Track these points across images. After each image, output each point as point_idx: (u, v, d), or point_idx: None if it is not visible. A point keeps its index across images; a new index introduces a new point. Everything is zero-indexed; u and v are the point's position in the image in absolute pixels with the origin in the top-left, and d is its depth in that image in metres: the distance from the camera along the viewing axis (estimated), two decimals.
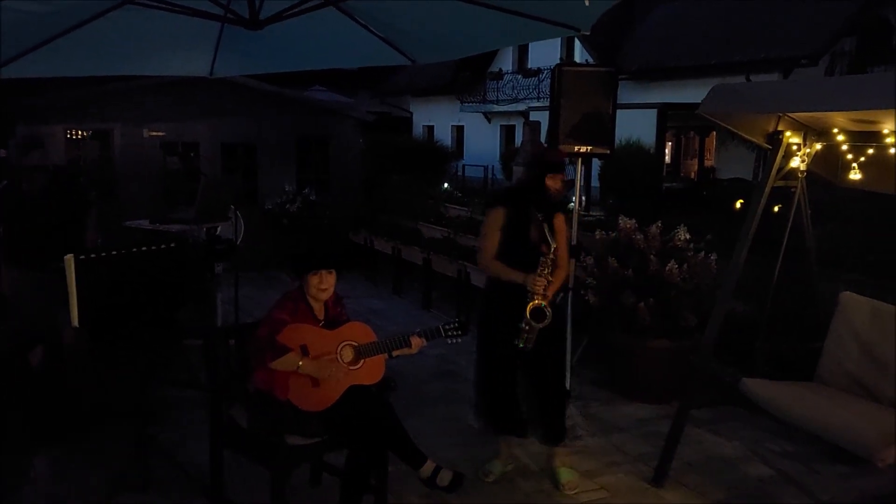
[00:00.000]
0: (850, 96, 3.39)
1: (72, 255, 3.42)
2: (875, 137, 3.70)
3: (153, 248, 3.79)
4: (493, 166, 21.75)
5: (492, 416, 4.16)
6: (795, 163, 4.09)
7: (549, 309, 3.83)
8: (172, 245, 3.93)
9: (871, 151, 3.86)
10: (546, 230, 3.84)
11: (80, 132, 9.36)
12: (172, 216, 6.37)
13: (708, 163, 19.41)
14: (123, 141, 9.47)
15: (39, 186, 4.92)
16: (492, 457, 4.29)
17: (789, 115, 3.88)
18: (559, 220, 3.99)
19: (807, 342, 4.36)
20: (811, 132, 4.03)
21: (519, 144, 13.50)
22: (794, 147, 4.05)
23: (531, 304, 3.81)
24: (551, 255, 3.83)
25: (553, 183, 3.94)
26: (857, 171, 3.97)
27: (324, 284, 3.53)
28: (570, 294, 5.08)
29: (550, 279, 3.85)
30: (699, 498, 4.03)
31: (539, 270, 3.82)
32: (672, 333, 5.26)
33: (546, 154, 4.20)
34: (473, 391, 4.28)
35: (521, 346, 3.85)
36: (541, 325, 3.82)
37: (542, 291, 3.82)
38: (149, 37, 4.18)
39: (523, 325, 3.82)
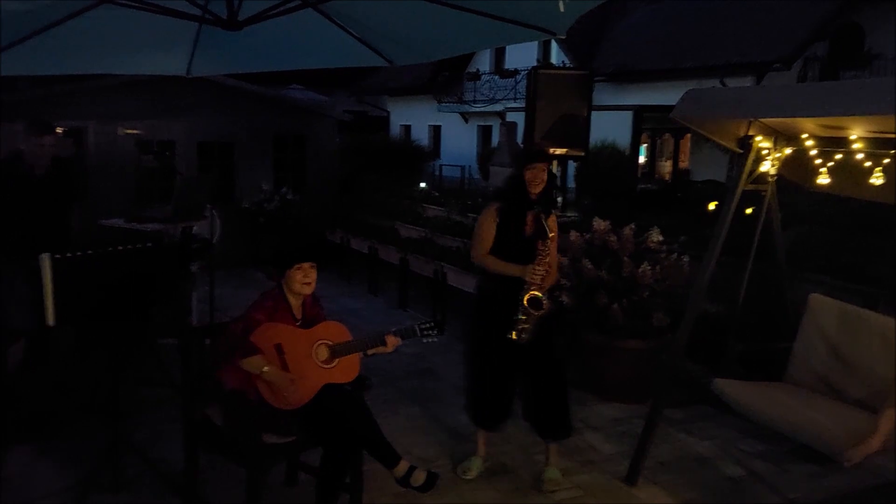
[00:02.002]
0: (818, 103, 3.46)
1: (47, 254, 3.40)
2: (843, 143, 3.77)
3: (129, 247, 3.77)
4: (470, 166, 21.77)
5: (476, 407, 4.20)
6: (766, 167, 4.17)
7: (546, 299, 3.87)
8: (148, 244, 3.92)
9: (839, 157, 3.93)
10: (543, 221, 3.89)
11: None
12: (148, 215, 6.33)
13: (682, 164, 19.60)
14: (98, 139, 9.36)
15: (47, 172, 4.89)
16: (469, 454, 4.33)
17: (760, 120, 3.95)
18: (552, 221, 4.01)
19: (777, 343, 4.44)
20: (781, 137, 4.10)
21: (496, 145, 13.54)
22: (765, 151, 4.12)
23: (528, 293, 3.85)
24: (545, 247, 3.86)
25: (531, 174, 3.92)
26: (826, 175, 4.04)
27: (307, 279, 3.54)
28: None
29: (548, 269, 3.90)
30: (671, 496, 4.09)
31: (537, 261, 3.86)
32: (645, 334, 5.32)
33: (524, 148, 4.21)
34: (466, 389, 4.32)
35: (516, 338, 3.87)
36: (538, 314, 3.85)
37: (539, 282, 3.87)
38: (126, 36, 4.16)
39: (520, 315, 3.85)
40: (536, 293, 3.86)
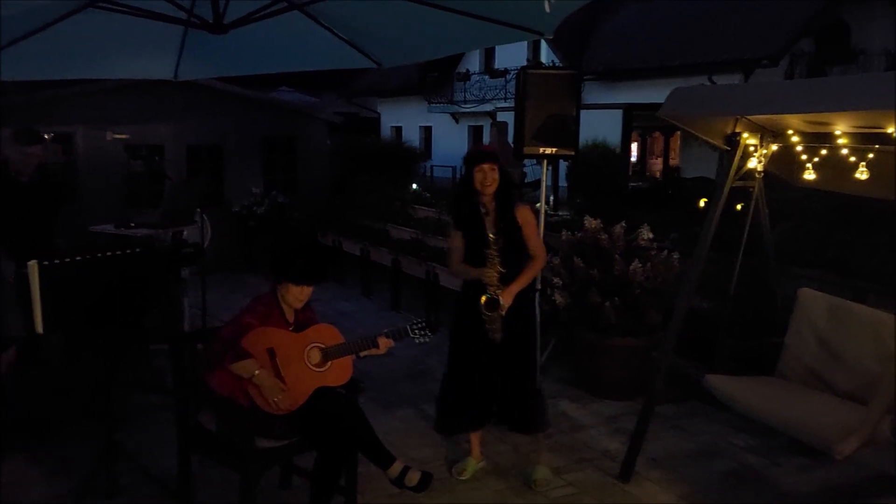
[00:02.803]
0: (803, 99, 3.49)
1: (35, 261, 3.39)
2: (828, 139, 3.80)
3: (119, 253, 3.76)
4: (461, 167, 21.75)
5: (444, 412, 4.22)
6: (753, 163, 4.19)
7: (501, 297, 3.85)
8: (138, 250, 3.91)
9: (824, 152, 3.96)
10: (488, 223, 3.90)
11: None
12: (138, 220, 6.31)
13: (673, 162, 19.70)
14: (86, 144, 9.33)
15: (31, 180, 4.88)
16: (462, 455, 4.33)
17: (746, 116, 3.97)
18: (522, 212, 4.01)
19: (767, 338, 4.47)
20: (768, 134, 4.13)
21: (486, 145, 13.54)
22: (752, 148, 4.15)
23: (484, 296, 3.85)
24: (493, 247, 3.84)
25: (480, 176, 3.91)
26: (812, 171, 4.07)
27: (303, 295, 3.55)
28: (538, 294, 5.13)
29: (501, 269, 3.87)
30: (665, 492, 4.11)
31: (488, 264, 3.86)
32: (637, 331, 5.34)
33: (469, 150, 4.17)
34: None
35: (498, 335, 3.90)
36: (494, 314, 3.86)
37: (496, 282, 3.86)
38: (112, 40, 4.15)
39: (483, 316, 3.88)
40: (493, 294, 3.85)
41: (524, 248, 4.03)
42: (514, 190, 4.15)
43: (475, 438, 4.31)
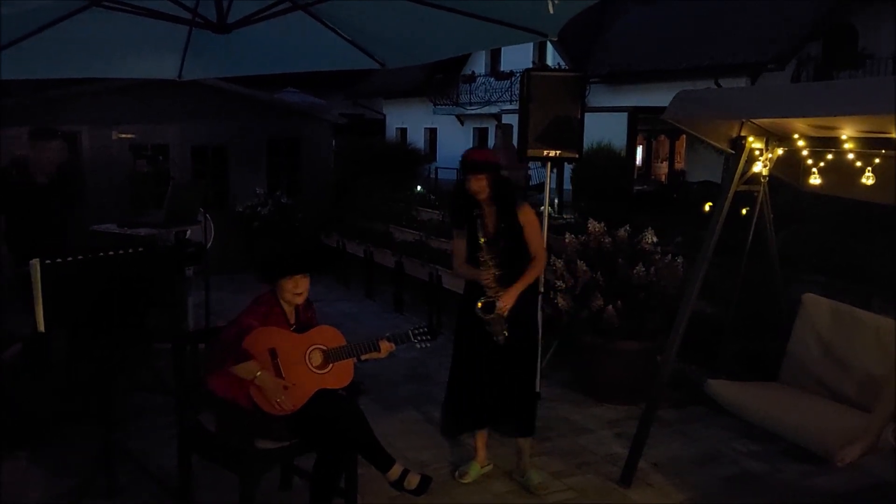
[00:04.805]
0: (809, 103, 3.47)
1: (37, 260, 3.39)
2: (834, 143, 3.78)
3: (122, 252, 3.76)
4: None
5: (449, 413, 4.21)
6: (758, 167, 4.18)
7: (501, 299, 3.85)
8: (141, 249, 3.91)
9: (830, 157, 3.94)
10: (483, 226, 3.90)
11: None
12: (141, 220, 6.31)
13: (678, 166, 19.65)
14: (91, 143, 9.34)
15: (49, 179, 4.89)
16: (464, 458, 4.32)
17: (752, 120, 3.95)
18: (524, 213, 4.01)
19: (771, 343, 4.45)
20: (773, 138, 4.11)
21: (491, 147, 13.54)
22: (757, 152, 4.13)
23: (480, 300, 3.87)
24: (484, 250, 3.86)
25: (471, 186, 3.92)
26: (818, 175, 4.05)
27: (299, 288, 3.54)
28: (541, 297, 5.12)
29: (495, 271, 3.88)
30: (666, 498, 4.09)
31: (482, 266, 3.88)
32: (640, 335, 5.32)
33: (465, 155, 4.15)
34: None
35: (500, 337, 3.91)
36: (493, 317, 3.86)
37: (492, 283, 3.87)
38: (116, 39, 4.15)
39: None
40: (489, 298, 3.87)
41: (527, 248, 4.03)
42: (515, 191, 4.13)
43: (481, 441, 4.28)
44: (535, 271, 4.09)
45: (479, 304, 3.86)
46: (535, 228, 4.07)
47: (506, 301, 3.87)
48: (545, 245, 4.17)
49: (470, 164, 3.98)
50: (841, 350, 4.04)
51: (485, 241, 3.87)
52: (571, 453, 4.61)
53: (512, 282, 3.91)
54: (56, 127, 5.65)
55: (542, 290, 5.19)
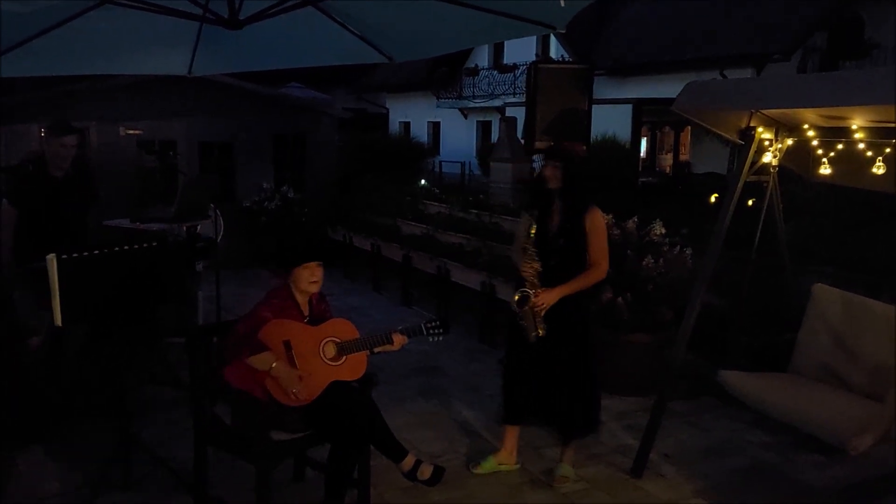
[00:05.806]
0: (819, 93, 3.47)
1: (54, 255, 3.41)
2: (844, 133, 3.78)
3: (135, 246, 3.79)
4: (469, 162, 21.76)
5: (504, 404, 4.24)
6: (767, 158, 4.18)
7: (540, 296, 3.86)
8: (154, 244, 3.93)
9: (840, 147, 3.94)
10: (541, 216, 3.93)
11: None
12: (152, 215, 6.34)
13: (683, 157, 19.60)
14: (100, 139, 9.37)
15: (67, 175, 4.91)
16: (474, 450, 4.34)
17: (761, 111, 3.95)
18: (591, 218, 3.98)
19: (781, 334, 4.45)
20: (783, 128, 4.11)
21: (496, 140, 13.54)
22: (766, 143, 4.13)
23: (517, 293, 3.91)
24: (528, 242, 3.89)
25: (548, 170, 3.96)
26: (828, 165, 4.05)
27: (314, 277, 3.56)
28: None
29: (537, 266, 3.89)
30: (677, 488, 4.10)
31: (525, 257, 3.92)
32: (650, 327, 5.33)
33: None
34: None
35: (532, 335, 3.91)
36: (525, 310, 3.88)
37: (532, 277, 3.89)
38: (127, 36, 4.17)
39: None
40: (525, 291, 3.89)
41: (586, 253, 4.00)
42: (587, 194, 4.10)
43: (510, 440, 4.25)
44: (589, 279, 4.00)
45: (516, 297, 3.90)
46: (599, 235, 4.01)
47: (544, 299, 3.87)
48: (608, 255, 4.04)
49: (548, 150, 4.11)
50: (851, 340, 4.04)
51: (535, 233, 3.89)
52: (582, 445, 4.60)
53: (557, 282, 3.90)
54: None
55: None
